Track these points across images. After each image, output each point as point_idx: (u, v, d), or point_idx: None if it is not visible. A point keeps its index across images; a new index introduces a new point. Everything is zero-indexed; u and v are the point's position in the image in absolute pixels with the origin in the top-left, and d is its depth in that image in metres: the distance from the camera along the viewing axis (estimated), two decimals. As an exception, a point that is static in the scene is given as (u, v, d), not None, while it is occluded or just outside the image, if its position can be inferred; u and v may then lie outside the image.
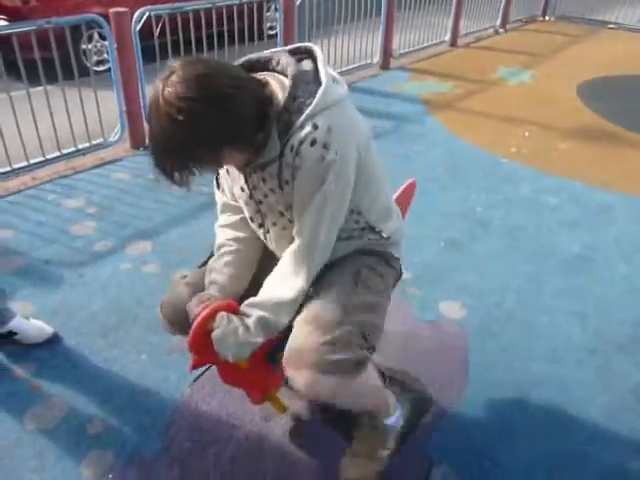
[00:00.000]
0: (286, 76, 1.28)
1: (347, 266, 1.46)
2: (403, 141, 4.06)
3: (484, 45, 7.00)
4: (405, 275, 2.50)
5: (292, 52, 1.36)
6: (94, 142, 3.66)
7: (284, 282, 1.38)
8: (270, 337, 1.40)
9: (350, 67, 5.46)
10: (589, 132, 4.40)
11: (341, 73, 5.32)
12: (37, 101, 3.29)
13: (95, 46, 5.33)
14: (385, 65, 5.81)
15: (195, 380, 1.95)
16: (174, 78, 1.15)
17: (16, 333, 2.06)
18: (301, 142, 1.22)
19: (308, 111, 1.21)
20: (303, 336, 1.34)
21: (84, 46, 4.87)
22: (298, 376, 1.34)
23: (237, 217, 1.55)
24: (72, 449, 1.70)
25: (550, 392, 1.99)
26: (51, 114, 3.35)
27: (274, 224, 1.44)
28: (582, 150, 4.08)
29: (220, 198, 1.57)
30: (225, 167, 1.44)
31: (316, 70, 1.29)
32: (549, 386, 2.01)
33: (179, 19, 3.81)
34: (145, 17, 3.63)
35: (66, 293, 2.37)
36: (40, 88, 3.31)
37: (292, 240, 1.39)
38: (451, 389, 1.98)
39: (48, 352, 2.05)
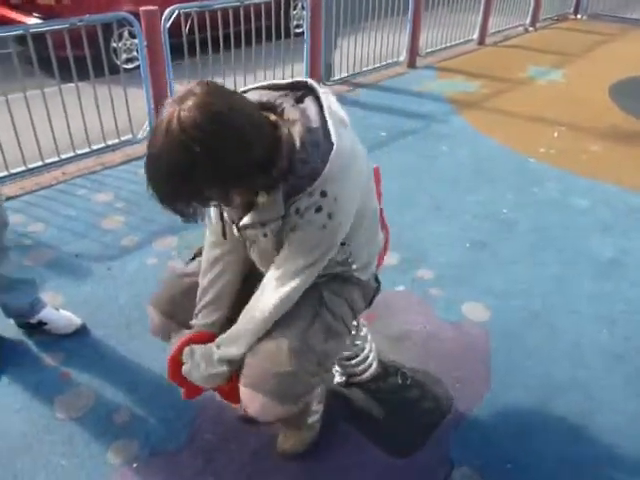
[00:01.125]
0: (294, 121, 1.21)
1: (310, 291, 1.43)
2: (429, 140, 4.04)
3: (513, 44, 6.91)
4: (428, 275, 2.53)
5: (292, 87, 1.28)
6: (123, 138, 3.73)
7: (252, 319, 1.39)
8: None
9: (377, 65, 5.44)
10: (621, 133, 4.31)
11: (367, 72, 5.32)
12: (68, 98, 3.36)
13: (125, 44, 5.41)
14: (412, 63, 5.77)
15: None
16: (191, 103, 1.06)
17: (46, 323, 2.11)
18: (307, 207, 1.19)
19: (319, 181, 1.17)
20: (261, 364, 1.36)
21: (114, 44, 4.95)
22: (252, 401, 1.37)
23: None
24: (99, 437, 1.74)
25: (575, 397, 1.96)
26: (82, 111, 3.42)
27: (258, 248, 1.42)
28: (613, 152, 4.00)
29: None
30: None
31: (323, 120, 1.21)
32: (574, 391, 1.98)
33: (207, 17, 3.85)
34: (175, 15, 3.68)
35: (94, 286, 2.43)
36: (72, 85, 3.38)
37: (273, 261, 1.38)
38: (473, 391, 1.97)
39: (77, 342, 2.10)
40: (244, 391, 1.38)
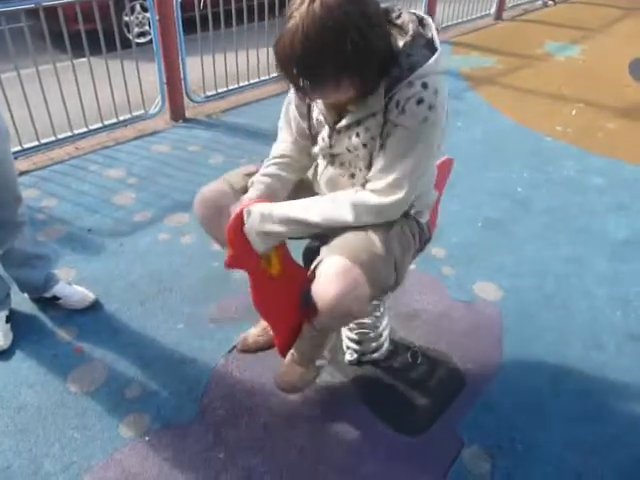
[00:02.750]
0: (404, 33, 1.27)
1: None
2: (443, 117, 3.97)
3: (531, 18, 6.74)
4: (440, 254, 2.52)
5: None
6: (135, 114, 3.71)
7: (335, 205, 1.38)
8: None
9: (391, 40, 5.34)
10: (640, 111, 4.21)
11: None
12: (81, 73, 3.34)
13: (137, 18, 5.36)
14: (427, 39, 5.65)
15: (230, 350, 2.00)
16: None
17: (60, 298, 2.13)
18: (408, 99, 1.22)
19: (420, 70, 1.21)
20: (356, 241, 1.36)
21: (126, 18, 4.91)
22: (345, 275, 1.30)
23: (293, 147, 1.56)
24: (112, 411, 1.77)
25: (587, 378, 1.95)
26: (94, 85, 3.40)
27: (340, 167, 1.47)
28: (632, 130, 3.91)
29: (285, 129, 1.58)
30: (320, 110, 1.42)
31: (430, 35, 1.29)
32: (586, 372, 1.97)
33: (220, -10, 3.79)
34: (187, -12, 3.62)
35: (107, 261, 2.44)
36: (84, 59, 3.35)
37: (347, 187, 1.44)
38: (485, 370, 1.96)
39: (90, 318, 2.12)
40: (338, 261, 1.32)
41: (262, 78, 4.34)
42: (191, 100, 3.97)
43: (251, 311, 2.14)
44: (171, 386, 1.86)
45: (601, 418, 1.81)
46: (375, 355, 1.95)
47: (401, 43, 1.25)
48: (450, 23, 5.97)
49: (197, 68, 3.91)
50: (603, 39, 6.02)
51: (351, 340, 1.93)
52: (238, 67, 4.10)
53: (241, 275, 2.34)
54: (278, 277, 1.59)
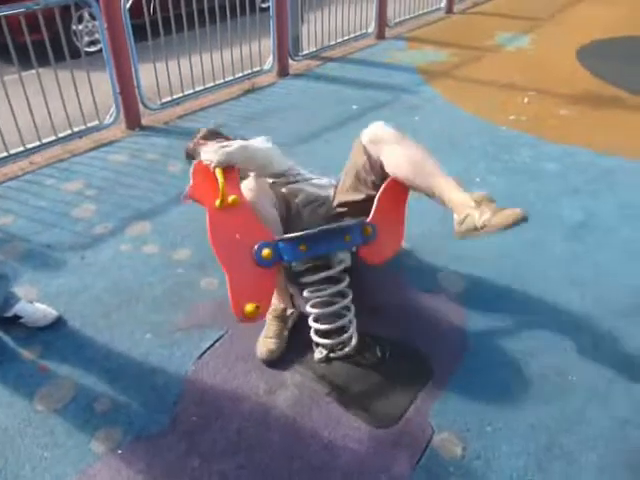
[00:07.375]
0: None
1: None
2: (400, 112, 4.02)
3: (481, 10, 6.87)
4: (403, 246, 2.54)
5: None
6: (90, 124, 3.64)
7: None
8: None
9: (345, 38, 5.38)
10: (590, 97, 4.34)
11: (336, 45, 5.27)
12: (30, 85, 3.26)
13: (86, 26, 5.26)
14: (380, 35, 5.71)
15: (199, 357, 1.99)
16: None
17: (21, 317, 2.09)
18: None
19: None
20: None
21: (74, 27, 4.81)
22: None
23: None
24: (82, 427, 1.74)
25: (550, 359, 2.01)
26: (44, 97, 3.33)
27: None
28: (583, 116, 4.04)
29: None
30: None
31: None
32: (548, 353, 2.03)
33: (169, -5, 3.76)
34: (135, -6, 3.57)
35: (69, 276, 2.40)
36: (32, 71, 3.28)
37: None
38: (451, 358, 2.01)
39: (53, 334, 2.08)
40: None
41: (217, 82, 4.32)
42: (147, 108, 3.92)
43: (218, 317, 2.15)
44: (142, 397, 1.84)
45: (566, 397, 1.87)
46: (344, 351, 1.96)
47: None
48: (402, 18, 6.04)
49: (151, 75, 3.86)
50: (552, 28, 6.19)
51: (319, 335, 1.94)
52: (192, 72, 4.07)
53: (206, 282, 2.35)
54: (232, 206, 1.78)
